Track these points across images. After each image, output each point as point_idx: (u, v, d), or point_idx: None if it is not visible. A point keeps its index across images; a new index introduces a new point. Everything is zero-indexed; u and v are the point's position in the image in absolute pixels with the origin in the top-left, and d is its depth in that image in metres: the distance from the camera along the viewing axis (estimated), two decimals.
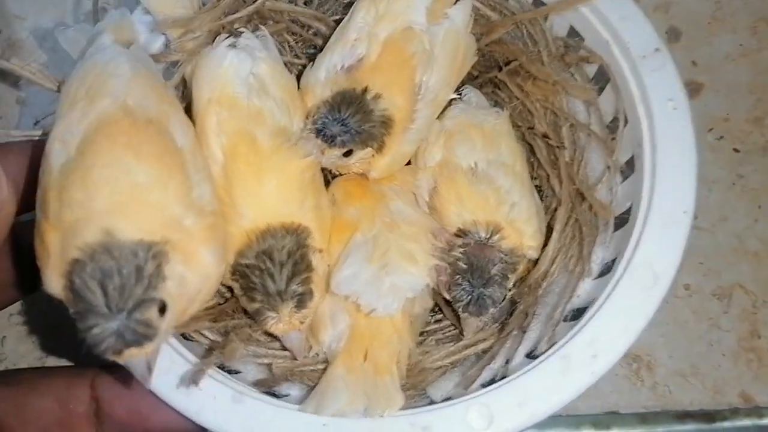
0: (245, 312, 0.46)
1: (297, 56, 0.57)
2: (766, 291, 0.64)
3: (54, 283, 0.39)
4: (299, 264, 0.44)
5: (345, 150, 0.48)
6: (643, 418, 0.61)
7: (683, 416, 0.61)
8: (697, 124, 0.66)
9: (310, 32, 0.56)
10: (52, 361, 0.62)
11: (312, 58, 0.57)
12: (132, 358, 0.37)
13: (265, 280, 0.43)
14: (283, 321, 0.43)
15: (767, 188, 0.67)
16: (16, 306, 0.61)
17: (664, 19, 0.71)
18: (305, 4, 0.56)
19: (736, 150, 0.68)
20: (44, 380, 0.47)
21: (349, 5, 0.56)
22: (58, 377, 0.47)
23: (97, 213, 0.38)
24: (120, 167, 0.39)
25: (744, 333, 0.63)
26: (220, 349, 0.43)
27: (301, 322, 0.44)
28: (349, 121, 0.47)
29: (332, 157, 0.48)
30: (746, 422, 0.60)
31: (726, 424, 0.60)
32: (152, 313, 0.37)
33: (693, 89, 0.70)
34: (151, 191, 0.39)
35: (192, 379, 0.40)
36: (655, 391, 0.61)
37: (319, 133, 0.47)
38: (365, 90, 0.48)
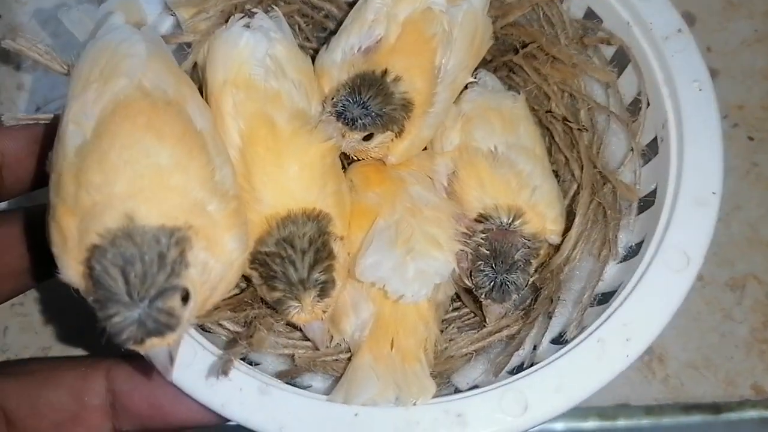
0: (263, 302, 0.45)
1: (308, 39, 0.56)
2: None
3: (71, 270, 0.37)
4: (321, 251, 0.43)
5: (366, 133, 0.47)
6: (649, 410, 0.60)
7: (689, 408, 0.60)
8: None
9: (321, 14, 0.55)
10: (56, 351, 0.60)
11: (322, 42, 0.56)
12: (153, 348, 0.35)
13: (286, 268, 0.42)
14: (305, 310, 0.42)
15: None
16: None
17: (678, 4, 0.70)
18: None
19: (750, 138, 0.67)
20: (57, 372, 0.45)
21: None
22: (72, 369, 0.45)
23: (117, 197, 0.36)
24: (140, 149, 0.37)
25: (757, 324, 0.62)
26: (247, 339, 0.41)
27: (324, 312, 0.43)
28: (370, 104, 0.46)
29: (352, 140, 0.47)
30: (752, 413, 0.60)
31: (732, 415, 0.60)
32: (175, 301, 0.35)
33: None
34: (172, 174, 0.38)
35: (222, 369, 0.38)
36: (666, 383, 0.61)
37: (339, 116, 0.46)
38: (385, 72, 0.47)
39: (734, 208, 0.65)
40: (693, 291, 0.61)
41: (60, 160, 0.38)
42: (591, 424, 0.60)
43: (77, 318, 0.36)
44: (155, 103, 0.39)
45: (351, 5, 0.53)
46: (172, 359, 0.37)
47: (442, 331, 0.48)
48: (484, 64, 0.56)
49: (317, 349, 0.45)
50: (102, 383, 0.44)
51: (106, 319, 0.34)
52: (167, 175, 0.38)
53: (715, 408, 0.60)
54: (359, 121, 0.46)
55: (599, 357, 0.39)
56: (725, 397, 0.60)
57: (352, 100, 0.46)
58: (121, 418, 0.45)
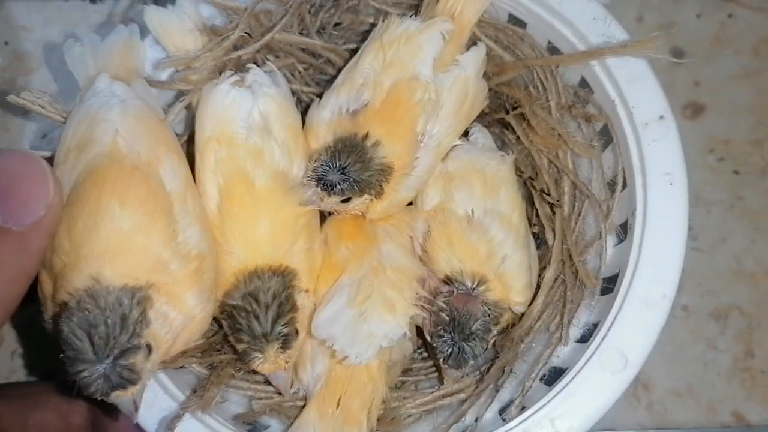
0: (231, 346, 0.48)
1: (307, 84, 0.57)
2: (762, 312, 0.65)
3: (50, 324, 0.41)
4: (284, 305, 0.45)
5: (344, 198, 0.49)
6: None
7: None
8: (698, 146, 0.69)
9: (321, 60, 0.56)
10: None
11: (322, 85, 0.57)
12: (119, 398, 0.39)
13: (251, 321, 0.45)
14: (269, 361, 0.45)
15: (766, 210, 0.68)
16: (27, 320, 0.64)
17: (668, 39, 0.71)
18: (318, 32, 0.56)
19: (736, 172, 0.69)
20: (46, 394, 0.51)
21: (364, 33, 0.56)
22: (59, 392, 0.51)
23: (84, 259, 0.40)
24: (105, 215, 0.41)
25: (739, 353, 0.65)
26: (198, 397, 0.45)
27: (287, 362, 0.46)
28: (349, 170, 0.47)
29: (331, 203, 0.49)
30: None
31: None
32: (137, 357, 0.39)
33: (695, 110, 0.70)
34: (134, 237, 0.41)
35: (168, 426, 0.42)
36: (651, 410, 0.64)
37: (319, 181, 0.48)
38: (366, 137, 0.48)
39: (719, 241, 0.67)
40: (678, 320, 0.65)
41: None
42: None
43: None
44: (122, 168, 0.42)
45: (351, 52, 0.55)
46: (136, 406, 0.41)
47: (399, 387, 0.51)
48: (480, 117, 0.56)
49: (281, 395, 0.48)
50: (85, 404, 0.50)
51: (76, 374, 0.38)
52: (129, 238, 0.41)
53: None
54: (337, 186, 0.48)
55: None
56: (707, 423, 0.63)
57: (332, 165, 0.47)
58: None
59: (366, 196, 0.49)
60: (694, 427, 0.63)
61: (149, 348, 0.40)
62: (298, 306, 0.46)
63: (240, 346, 0.45)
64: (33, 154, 0.40)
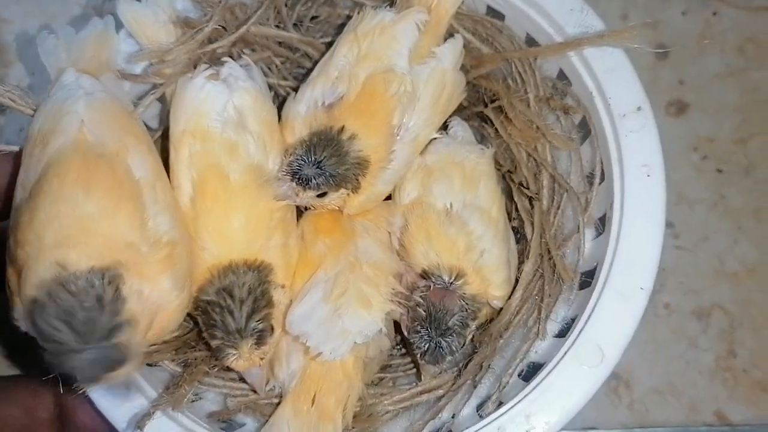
0: (206, 343, 0.47)
1: (284, 78, 0.57)
2: (744, 311, 0.65)
3: (22, 321, 0.40)
4: (260, 300, 0.45)
5: (319, 192, 0.48)
6: None
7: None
8: (681, 144, 0.69)
9: (298, 54, 0.56)
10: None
11: (300, 79, 0.57)
12: (112, 380, 0.38)
13: (225, 317, 0.44)
14: (243, 358, 0.45)
15: (748, 209, 0.68)
16: None
17: (653, 36, 0.71)
18: (295, 26, 0.55)
19: (719, 170, 0.69)
20: (11, 389, 0.50)
21: (341, 26, 0.55)
22: (24, 386, 0.51)
23: (47, 248, 0.39)
24: (68, 203, 0.40)
25: (721, 352, 0.65)
26: (170, 395, 0.44)
27: (261, 359, 0.46)
28: (325, 164, 0.47)
29: (306, 198, 0.48)
30: None
31: None
32: (121, 336, 0.38)
33: (679, 108, 0.70)
34: (100, 222, 0.40)
35: (138, 424, 0.42)
36: (632, 409, 0.63)
37: (294, 175, 0.47)
38: (341, 130, 0.48)
39: (701, 239, 0.67)
40: (659, 319, 0.65)
41: (9, 222, 0.41)
42: None
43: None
44: (87, 158, 0.41)
45: (328, 45, 0.54)
46: (128, 385, 0.40)
47: (378, 383, 0.50)
48: (459, 110, 0.56)
49: (255, 392, 0.48)
50: (50, 399, 0.50)
51: (61, 365, 0.37)
52: (94, 223, 0.40)
53: None
54: (313, 180, 0.47)
55: None
56: (689, 422, 0.63)
57: (307, 159, 0.47)
58: (67, 430, 0.50)
59: (342, 190, 0.49)
60: (675, 426, 0.63)
61: (131, 323, 0.39)
62: (274, 302, 0.46)
63: (214, 342, 0.45)
64: None
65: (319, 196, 0.48)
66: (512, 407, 0.41)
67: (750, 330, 0.64)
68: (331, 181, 0.47)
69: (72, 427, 0.50)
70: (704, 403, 0.63)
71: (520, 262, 0.51)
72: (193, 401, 0.47)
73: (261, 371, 0.46)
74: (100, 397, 0.43)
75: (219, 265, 0.45)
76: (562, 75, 0.51)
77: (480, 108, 0.55)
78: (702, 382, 0.64)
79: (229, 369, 0.48)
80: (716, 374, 0.64)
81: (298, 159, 0.47)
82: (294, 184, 0.47)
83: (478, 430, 0.41)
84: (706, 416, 0.63)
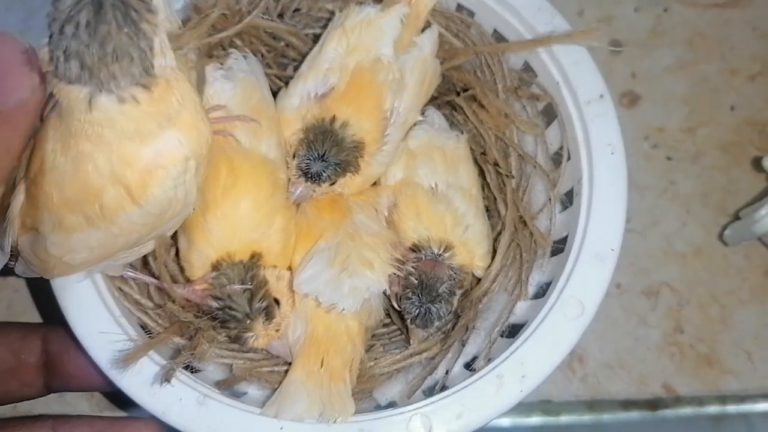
0: (209, 315, 0.49)
1: (269, 66, 0.60)
2: (691, 290, 0.69)
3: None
4: (254, 284, 0.48)
5: (331, 182, 0.52)
6: (590, 406, 0.66)
7: (628, 405, 0.66)
8: (633, 133, 0.72)
9: (282, 44, 0.59)
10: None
11: (282, 68, 0.60)
12: None
13: (230, 312, 0.48)
14: (260, 335, 0.48)
15: (696, 194, 0.72)
16: None
17: (607, 32, 0.76)
18: (278, 17, 0.58)
19: (668, 158, 0.73)
20: (0, 332, 0.52)
21: (322, 19, 0.59)
22: (13, 330, 0.53)
23: None
24: None
25: (669, 329, 0.68)
26: (191, 350, 0.46)
27: (277, 330, 0.49)
28: (328, 156, 0.51)
29: (322, 190, 0.52)
30: (687, 410, 0.66)
31: (668, 412, 0.66)
32: None
33: (631, 99, 0.75)
34: None
35: (165, 377, 0.44)
36: (585, 381, 0.67)
37: (306, 175, 0.51)
38: (333, 119, 0.52)
39: (651, 223, 0.71)
40: (611, 298, 0.68)
41: None
42: (535, 419, 0.66)
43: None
44: None
45: (313, 37, 0.58)
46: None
47: (369, 350, 0.54)
48: (431, 100, 0.60)
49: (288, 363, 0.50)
50: (38, 344, 0.52)
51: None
52: None
53: (652, 404, 0.66)
54: (323, 174, 0.51)
55: (497, 390, 0.45)
56: (638, 394, 0.66)
57: (312, 156, 0.51)
58: (53, 377, 0.52)
59: (348, 174, 0.53)
60: (626, 397, 0.66)
61: None
62: (267, 278, 0.49)
63: (231, 333, 0.48)
64: (18, 40, 0.37)
65: (331, 184, 0.53)
66: (508, 357, 0.46)
67: (696, 308, 0.69)
68: (338, 169, 0.52)
69: (57, 375, 0.52)
70: (653, 376, 0.67)
71: (496, 235, 0.56)
72: (198, 371, 0.49)
73: (282, 341, 0.50)
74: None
75: (209, 264, 0.48)
76: (527, 68, 0.57)
77: (452, 97, 0.59)
78: (651, 356, 0.67)
79: (236, 340, 0.50)
80: (664, 349, 0.68)
81: (304, 159, 0.51)
82: (309, 183, 0.51)
83: (479, 378, 0.46)
84: (655, 388, 0.67)
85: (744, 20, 0.77)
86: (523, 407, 0.65)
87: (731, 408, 0.66)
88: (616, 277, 0.67)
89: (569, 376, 0.67)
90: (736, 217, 0.70)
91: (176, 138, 0.37)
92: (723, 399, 0.66)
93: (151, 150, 0.36)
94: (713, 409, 0.66)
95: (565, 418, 0.66)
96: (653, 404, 0.66)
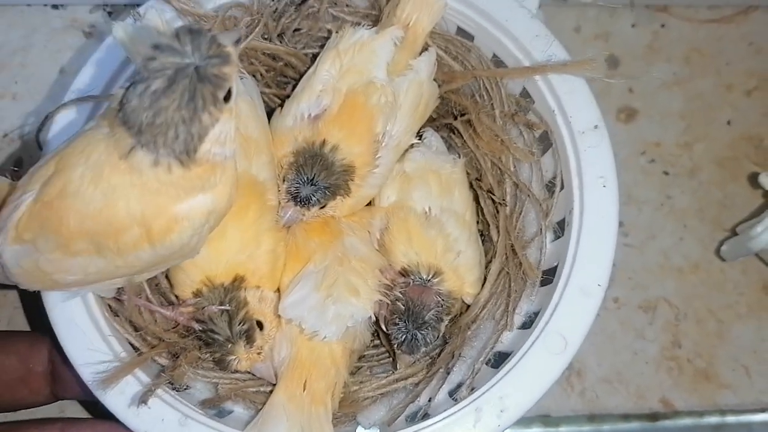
0: (194, 335, 0.50)
1: (268, 85, 0.60)
2: (688, 304, 0.70)
3: None
4: (232, 305, 0.49)
5: (321, 206, 0.52)
6: (591, 417, 0.67)
7: (628, 416, 0.67)
8: (630, 148, 0.73)
9: (281, 63, 0.59)
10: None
11: (282, 87, 0.61)
12: None
13: (211, 335, 0.49)
14: (242, 359, 0.49)
15: (692, 209, 0.73)
16: None
17: (604, 47, 0.76)
18: (278, 37, 0.59)
19: (665, 173, 0.74)
20: (10, 341, 0.55)
21: (322, 38, 0.59)
22: (21, 339, 0.55)
23: None
24: None
25: (666, 343, 0.69)
26: (170, 372, 0.47)
27: (259, 353, 0.50)
28: (318, 180, 0.51)
29: (312, 214, 0.53)
30: (687, 421, 0.67)
31: (668, 423, 0.67)
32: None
33: (628, 114, 0.75)
34: None
35: (141, 399, 0.45)
36: (583, 396, 0.67)
37: (295, 199, 0.51)
38: (323, 143, 0.52)
39: (649, 237, 0.72)
40: (609, 312, 0.69)
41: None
42: (535, 431, 0.67)
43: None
44: None
45: (313, 57, 0.58)
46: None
47: (355, 372, 0.54)
48: (429, 122, 0.60)
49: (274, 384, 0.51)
50: (45, 354, 0.54)
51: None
52: None
53: (652, 416, 0.67)
54: (313, 198, 0.52)
55: (474, 424, 0.46)
56: (636, 409, 0.67)
57: (301, 180, 0.51)
58: (59, 386, 0.54)
59: (338, 198, 0.53)
60: (623, 412, 0.67)
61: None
62: (248, 300, 0.49)
63: (214, 357, 0.49)
64: None
65: (321, 208, 0.53)
66: (488, 390, 0.46)
67: (693, 322, 0.69)
68: (328, 193, 0.52)
69: (61, 382, 0.54)
70: (650, 390, 0.67)
71: (487, 262, 0.56)
72: (186, 389, 0.50)
73: (265, 364, 0.50)
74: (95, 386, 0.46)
75: (193, 289, 0.49)
76: (525, 93, 0.57)
77: (449, 120, 0.59)
78: (648, 371, 0.68)
79: (219, 363, 0.51)
80: (661, 364, 0.68)
81: (293, 183, 0.52)
82: (298, 207, 0.52)
83: (458, 410, 0.46)
84: (652, 403, 0.67)
85: (740, 36, 0.77)
86: (522, 420, 0.65)
87: (731, 419, 0.67)
88: (614, 292, 0.70)
89: (568, 391, 0.68)
90: (733, 233, 0.71)
91: (209, 199, 0.40)
92: (722, 412, 0.67)
93: (184, 205, 0.39)
94: (713, 419, 0.67)
95: (564, 429, 0.67)
96: (653, 416, 0.67)
